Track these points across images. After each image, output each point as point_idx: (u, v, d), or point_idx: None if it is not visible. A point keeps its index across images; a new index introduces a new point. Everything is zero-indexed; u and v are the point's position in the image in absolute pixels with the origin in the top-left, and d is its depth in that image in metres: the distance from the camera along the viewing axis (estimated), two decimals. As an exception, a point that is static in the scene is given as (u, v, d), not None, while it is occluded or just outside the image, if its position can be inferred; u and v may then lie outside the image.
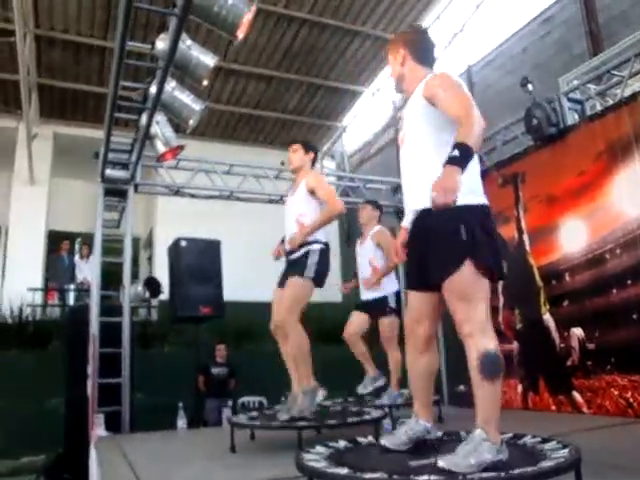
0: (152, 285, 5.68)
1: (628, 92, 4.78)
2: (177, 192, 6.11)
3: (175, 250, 5.82)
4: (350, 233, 12.69)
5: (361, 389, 4.69)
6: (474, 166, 2.27)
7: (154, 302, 8.92)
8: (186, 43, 3.67)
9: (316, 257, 3.65)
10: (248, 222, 9.91)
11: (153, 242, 11.79)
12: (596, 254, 4.73)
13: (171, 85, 4.18)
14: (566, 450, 2.15)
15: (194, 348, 6.89)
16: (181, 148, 4.90)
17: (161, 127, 4.73)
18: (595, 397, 4.70)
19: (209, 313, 5.62)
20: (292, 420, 3.48)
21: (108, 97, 4.42)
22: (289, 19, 9.44)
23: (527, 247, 5.45)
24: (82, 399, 5.70)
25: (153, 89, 4.22)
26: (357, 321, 4.75)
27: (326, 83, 11.31)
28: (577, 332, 4.89)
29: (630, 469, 2.62)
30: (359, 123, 12.89)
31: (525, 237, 5.48)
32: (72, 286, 10.15)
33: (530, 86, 5.06)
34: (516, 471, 1.96)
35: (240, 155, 9.78)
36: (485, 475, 1.94)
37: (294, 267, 3.70)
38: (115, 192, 5.71)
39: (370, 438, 2.74)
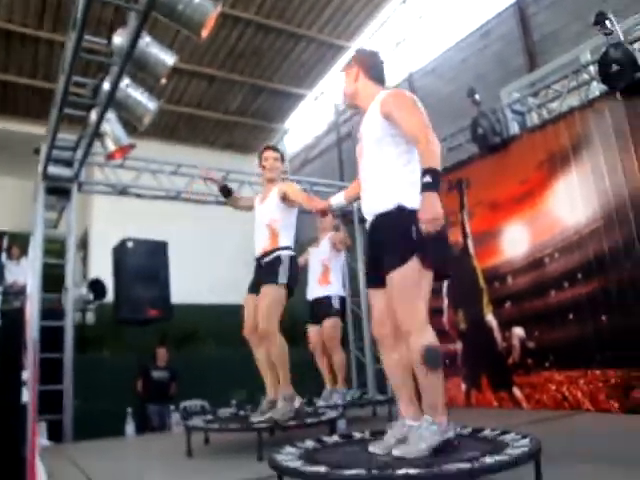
0: (97, 287, 5.48)
1: (565, 106, 5.11)
2: (122, 192, 5.94)
3: (121, 250, 5.66)
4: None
5: (321, 402, 4.70)
6: None
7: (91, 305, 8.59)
8: (145, 40, 3.59)
9: (287, 263, 3.68)
10: (192, 224, 9.73)
11: (88, 242, 11.34)
12: (536, 258, 5.01)
13: (125, 82, 4.06)
14: (526, 440, 2.29)
15: (135, 352, 6.73)
16: (132, 147, 4.77)
17: (111, 125, 4.58)
18: (534, 392, 4.98)
19: (156, 315, 5.50)
20: (269, 422, 3.49)
21: (56, 91, 4.26)
22: (235, 19, 9.36)
23: (471, 251, 5.69)
24: (16, 408, 5.43)
25: (106, 85, 4.10)
26: (317, 334, 4.85)
27: (270, 85, 11.29)
28: (518, 331, 5.15)
29: (580, 454, 2.80)
30: (301, 126, 12.96)
31: (469, 241, 5.71)
32: (0, 288, 9.57)
33: (477, 96, 5.28)
34: (487, 460, 2.07)
35: (181, 155, 9.59)
36: (460, 466, 2.02)
37: (266, 275, 3.70)
38: (57, 190, 5.48)
39: (335, 437, 2.80)
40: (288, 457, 2.36)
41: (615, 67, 4.22)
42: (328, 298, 4.89)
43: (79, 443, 4.77)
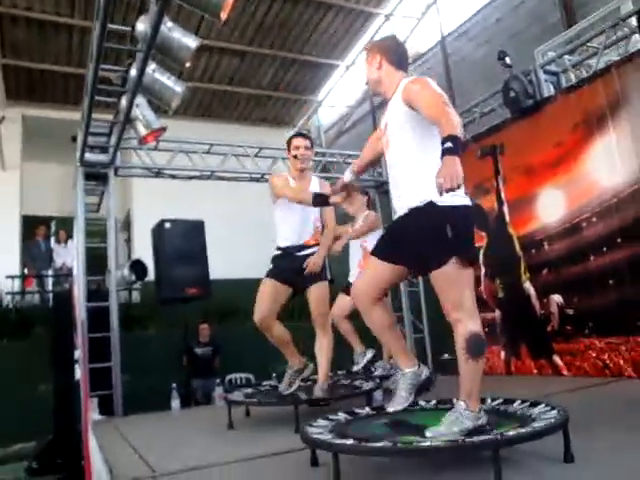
0: (138, 268, 5.67)
1: (602, 63, 4.89)
2: (158, 174, 6.07)
3: (159, 232, 5.80)
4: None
5: (355, 367, 4.80)
6: None
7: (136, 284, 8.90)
8: (167, 25, 3.62)
9: (327, 261, 3.83)
10: (228, 201, 9.88)
11: (131, 224, 11.67)
12: (573, 223, 4.88)
13: (151, 67, 4.12)
14: (554, 412, 2.31)
15: (179, 328, 6.95)
16: (163, 130, 4.87)
17: (141, 110, 4.68)
18: (574, 360, 4.91)
19: (196, 294, 5.65)
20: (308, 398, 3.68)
21: (86, 80, 4.36)
22: (262, -8, 9.30)
23: (507, 218, 5.59)
24: (70, 385, 5.74)
25: (133, 72, 4.18)
26: (340, 303, 4.81)
27: (300, 57, 11.20)
28: (556, 299, 5.07)
29: (612, 424, 2.78)
30: (334, 97, 12.84)
31: (505, 208, 5.61)
32: (50, 271, 10.02)
33: (508, 59, 5.12)
34: (510, 433, 2.11)
35: (215, 133, 9.70)
36: (482, 438, 2.06)
37: (316, 277, 3.76)
38: (95, 176, 5.65)
39: (367, 409, 2.87)
40: (319, 430, 2.44)
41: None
42: None
43: (128, 417, 5.01)
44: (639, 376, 4.37)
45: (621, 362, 4.53)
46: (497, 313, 5.72)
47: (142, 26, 3.63)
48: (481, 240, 5.78)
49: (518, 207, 5.44)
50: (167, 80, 4.22)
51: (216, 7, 3.18)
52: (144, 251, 6.58)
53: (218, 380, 6.84)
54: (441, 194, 2.13)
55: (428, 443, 2.08)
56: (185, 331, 6.87)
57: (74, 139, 5.43)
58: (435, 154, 2.34)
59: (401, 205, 2.54)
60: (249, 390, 4.33)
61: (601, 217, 4.64)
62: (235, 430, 3.65)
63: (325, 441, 2.24)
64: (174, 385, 5.23)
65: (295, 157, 3.80)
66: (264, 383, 4.58)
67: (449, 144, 2.15)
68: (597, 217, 4.67)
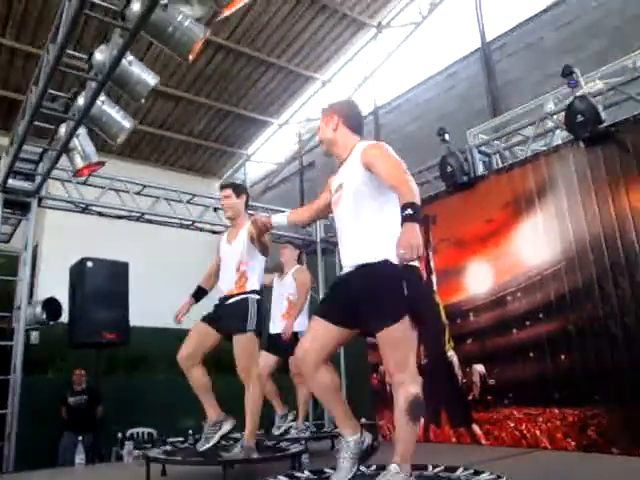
0: (52, 307, 5.22)
1: (529, 151, 5.32)
2: (85, 209, 5.75)
3: (79, 270, 5.44)
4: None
5: (275, 430, 4.66)
6: None
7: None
8: (127, 58, 3.53)
9: (254, 308, 3.62)
10: (149, 245, 9.48)
11: (38, 259, 10.87)
12: (499, 296, 5.11)
13: (101, 99, 3.97)
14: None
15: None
16: (101, 165, 4.65)
17: (81, 140, 4.46)
18: (493, 429, 5.02)
19: (113, 339, 5.28)
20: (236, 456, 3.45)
21: (27, 103, 4.12)
22: (206, 42, 9.33)
23: (434, 286, 5.76)
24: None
25: (80, 100, 4.00)
26: (266, 362, 4.72)
27: (235, 110, 11.30)
28: (479, 368, 5.21)
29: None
30: (263, 153, 12.99)
31: (433, 277, 5.79)
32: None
33: (447, 136, 5.44)
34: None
35: (141, 175, 9.37)
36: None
37: (234, 321, 3.61)
38: (15, 204, 5.26)
39: (307, 473, 2.76)
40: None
41: (580, 118, 4.43)
42: (295, 333, 4.83)
43: (21, 474, 4.48)
44: (554, 447, 4.54)
45: (538, 433, 4.68)
46: (419, 379, 5.77)
47: (101, 56, 3.51)
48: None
49: (446, 277, 5.64)
50: (116, 114, 4.07)
51: (185, 48, 3.15)
52: (51, 290, 6.09)
53: (120, 434, 6.34)
54: (401, 263, 2.20)
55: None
56: (88, 377, 6.35)
57: (-5, 162, 5.07)
58: (390, 215, 2.46)
59: (351, 262, 2.54)
60: (167, 447, 4.05)
61: (525, 292, 4.90)
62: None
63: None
64: (80, 438, 4.77)
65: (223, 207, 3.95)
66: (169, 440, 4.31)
67: (409, 211, 2.21)
68: (522, 292, 4.93)
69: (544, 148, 5.22)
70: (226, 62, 9.90)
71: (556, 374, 4.62)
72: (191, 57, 3.21)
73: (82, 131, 4.44)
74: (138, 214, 6.03)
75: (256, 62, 10.12)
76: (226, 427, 3.59)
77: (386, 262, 2.38)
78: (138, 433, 7.24)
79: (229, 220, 3.93)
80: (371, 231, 2.48)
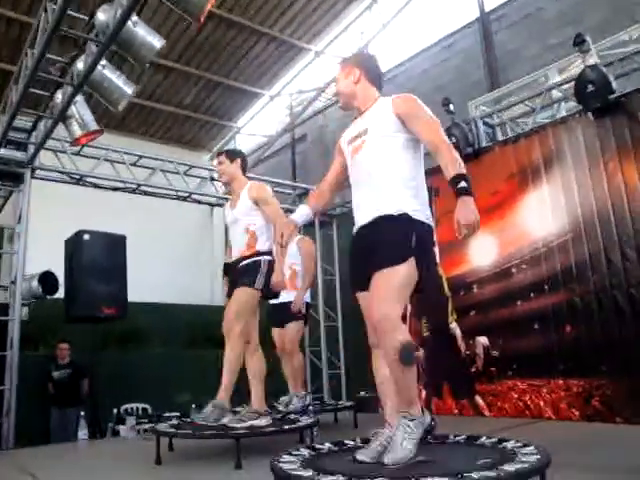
0: (48, 281, 5.09)
1: (531, 123, 5.25)
2: (79, 181, 5.58)
3: (76, 243, 5.27)
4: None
5: (284, 406, 4.58)
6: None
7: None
8: (132, 19, 3.36)
9: (265, 268, 3.62)
10: (146, 220, 9.26)
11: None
12: (504, 268, 5.11)
13: (102, 63, 3.80)
14: (531, 447, 2.30)
15: (77, 350, 6.30)
16: (100, 133, 4.48)
17: (79, 108, 4.29)
18: (496, 400, 5.06)
19: (113, 314, 5.17)
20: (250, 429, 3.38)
21: (22, 66, 3.93)
22: (196, 10, 9.06)
23: (437, 259, 5.72)
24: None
25: (80, 65, 3.83)
26: (292, 332, 4.74)
27: (226, 81, 11.01)
28: (482, 340, 5.23)
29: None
30: (254, 125, 12.75)
31: (436, 249, 5.73)
32: None
33: (451, 106, 5.34)
34: (507, 468, 2.02)
35: (127, 147, 9.12)
36: (486, 474, 1.97)
37: (243, 277, 3.62)
38: (6, 175, 5.07)
39: (328, 444, 2.70)
40: (293, 466, 2.24)
41: (591, 87, 4.36)
42: (307, 304, 4.86)
43: (23, 450, 4.41)
44: (558, 418, 4.59)
45: (541, 404, 4.73)
46: (421, 352, 5.78)
47: (103, 16, 3.33)
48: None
49: (450, 249, 5.59)
50: (117, 79, 3.90)
51: (197, 8, 3.00)
52: (39, 265, 5.92)
53: (116, 410, 6.26)
54: (462, 237, 2.20)
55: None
56: (81, 352, 6.24)
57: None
58: (414, 169, 2.48)
59: (370, 212, 2.47)
60: (174, 421, 4.00)
61: (531, 264, 4.89)
62: (165, 466, 3.30)
63: (311, 478, 2.05)
64: (82, 413, 4.69)
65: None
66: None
67: (463, 184, 2.22)
68: (527, 264, 4.92)
69: (547, 120, 5.15)
70: (218, 31, 9.60)
71: (561, 346, 4.64)
72: (202, 19, 3.06)
73: (79, 98, 4.27)
74: (134, 185, 5.87)
75: (248, 32, 9.82)
76: (262, 422, 3.53)
77: (404, 216, 2.36)
78: (133, 408, 7.17)
79: (225, 186, 4.02)
80: (395, 181, 2.43)
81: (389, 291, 2.27)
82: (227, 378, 3.48)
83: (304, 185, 8.27)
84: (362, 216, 2.52)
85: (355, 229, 2.56)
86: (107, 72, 3.86)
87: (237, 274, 3.67)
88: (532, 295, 4.87)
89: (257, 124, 12.74)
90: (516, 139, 5.20)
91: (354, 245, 2.58)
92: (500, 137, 5.59)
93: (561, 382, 4.61)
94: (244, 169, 3.97)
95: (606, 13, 6.99)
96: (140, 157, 5.93)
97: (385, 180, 2.44)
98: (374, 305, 2.30)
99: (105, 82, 3.87)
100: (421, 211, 2.44)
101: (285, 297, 4.75)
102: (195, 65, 10.41)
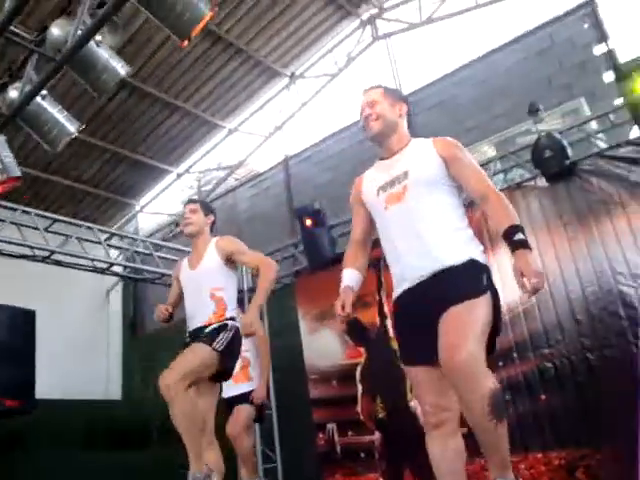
0: None
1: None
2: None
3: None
4: (136, 320, 11.44)
5: None
6: None
7: None
8: (96, 38, 2.86)
9: (230, 334, 3.13)
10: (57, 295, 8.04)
11: None
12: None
13: (42, 93, 3.21)
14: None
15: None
16: (19, 180, 3.75)
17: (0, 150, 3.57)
18: (466, 483, 4.62)
19: (14, 407, 4.14)
20: None
21: None
22: (108, 78, 8.58)
23: (390, 332, 5.39)
24: None
25: (13, 93, 3.20)
26: (239, 414, 4.32)
27: (133, 156, 10.40)
28: (447, 417, 4.85)
29: None
30: (158, 203, 12.09)
31: (388, 322, 5.43)
32: None
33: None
34: None
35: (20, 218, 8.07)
36: None
37: (201, 337, 3.09)
38: None
39: None
40: None
41: (548, 153, 4.47)
42: (250, 392, 4.42)
43: None
44: (542, 498, 4.25)
45: (520, 483, 4.37)
46: (377, 435, 5.27)
47: (59, 31, 2.79)
48: (359, 356, 5.50)
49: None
50: (57, 113, 3.30)
51: (188, 24, 2.60)
52: None
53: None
54: (530, 293, 2.06)
55: None
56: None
57: None
58: (462, 211, 2.35)
59: (426, 268, 2.20)
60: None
61: (496, 331, 4.70)
62: None
63: None
64: None
65: (184, 226, 3.51)
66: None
67: (521, 236, 2.08)
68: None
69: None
70: (130, 101, 9.13)
71: (535, 415, 4.40)
72: (193, 35, 2.66)
73: (1, 138, 3.57)
74: (46, 253, 5.02)
75: (161, 104, 9.46)
76: None
77: (471, 261, 2.17)
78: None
79: (189, 237, 3.48)
80: (451, 229, 2.25)
81: (473, 326, 2.00)
82: (188, 444, 2.83)
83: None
84: (412, 271, 2.24)
85: (404, 287, 2.27)
86: (46, 104, 3.25)
87: (192, 338, 3.17)
88: (500, 364, 4.64)
89: (161, 202, 12.10)
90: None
91: (407, 307, 2.28)
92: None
93: (540, 456, 4.32)
94: (212, 230, 3.54)
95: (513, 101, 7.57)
96: (54, 220, 5.12)
97: (441, 232, 2.24)
98: (452, 344, 1.97)
99: (43, 116, 3.25)
100: (483, 256, 2.32)
101: (237, 391, 4.38)
102: (100, 136, 9.78)
